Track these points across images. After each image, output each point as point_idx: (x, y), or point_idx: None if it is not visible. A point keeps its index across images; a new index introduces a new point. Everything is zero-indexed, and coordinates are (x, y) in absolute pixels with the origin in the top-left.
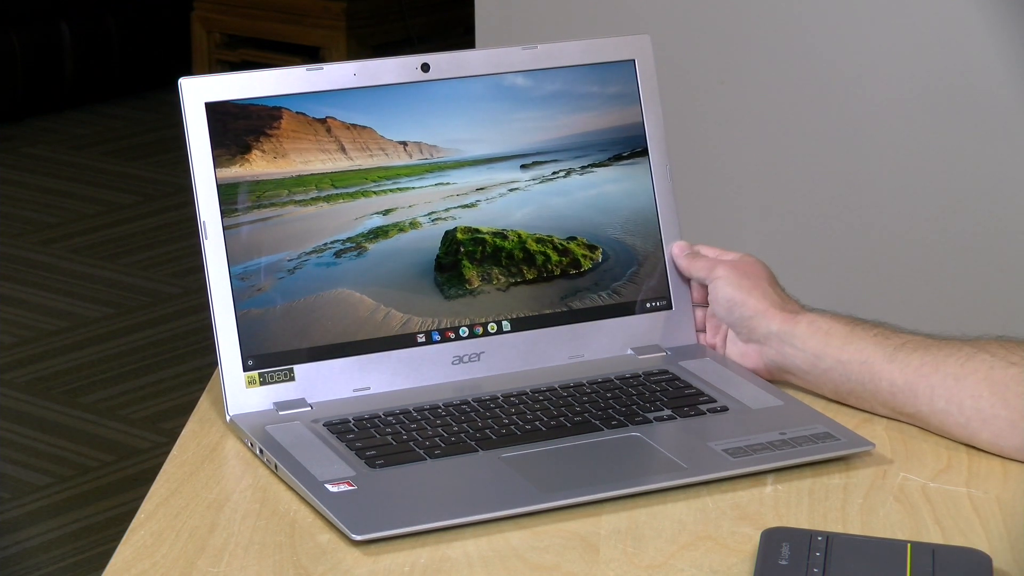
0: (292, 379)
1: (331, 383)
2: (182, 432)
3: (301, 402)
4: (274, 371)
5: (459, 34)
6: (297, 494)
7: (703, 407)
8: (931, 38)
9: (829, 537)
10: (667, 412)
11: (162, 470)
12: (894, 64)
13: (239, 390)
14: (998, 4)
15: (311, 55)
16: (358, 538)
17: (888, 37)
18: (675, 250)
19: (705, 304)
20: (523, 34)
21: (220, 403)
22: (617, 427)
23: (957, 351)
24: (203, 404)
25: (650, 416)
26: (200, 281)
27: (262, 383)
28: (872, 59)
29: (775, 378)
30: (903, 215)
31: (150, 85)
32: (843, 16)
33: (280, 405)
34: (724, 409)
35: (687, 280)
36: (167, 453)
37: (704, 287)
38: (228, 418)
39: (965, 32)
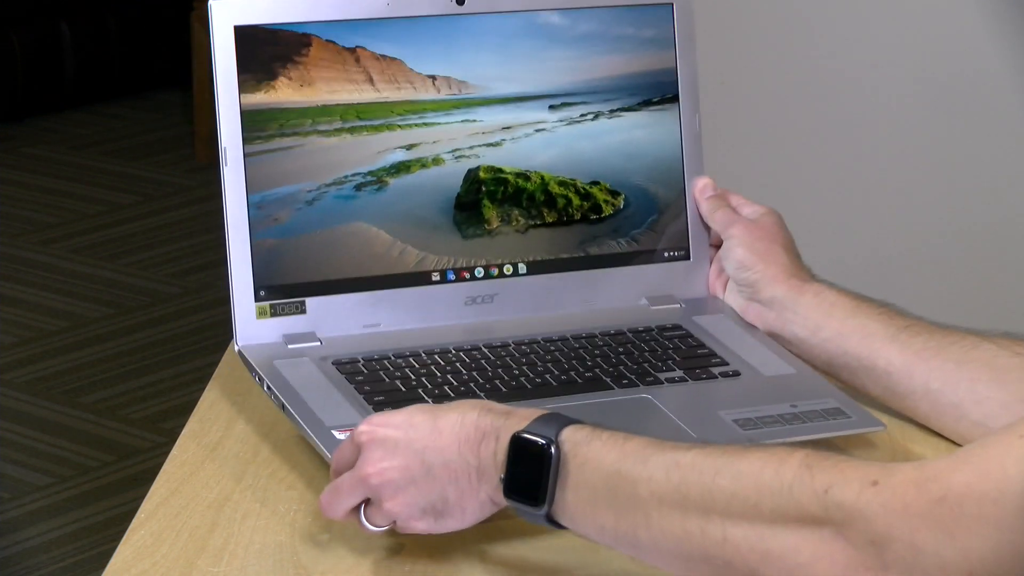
0: (303, 312)
1: (342, 318)
2: (182, 432)
3: (311, 335)
4: (286, 303)
5: None
6: (302, 437)
7: (715, 370)
8: (934, 38)
9: None
10: (679, 373)
11: (162, 470)
12: (896, 64)
13: (249, 320)
14: (999, 4)
15: None
16: None
17: (890, 37)
18: (698, 186)
19: (717, 245)
20: None
21: (220, 403)
22: (628, 386)
23: (961, 339)
24: (203, 404)
25: (662, 377)
26: (200, 281)
27: (273, 314)
28: (874, 59)
29: None
30: (905, 215)
31: (150, 85)
32: (845, 16)
33: (289, 338)
34: (736, 374)
35: (707, 230)
36: (167, 453)
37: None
38: (237, 348)
39: (969, 32)
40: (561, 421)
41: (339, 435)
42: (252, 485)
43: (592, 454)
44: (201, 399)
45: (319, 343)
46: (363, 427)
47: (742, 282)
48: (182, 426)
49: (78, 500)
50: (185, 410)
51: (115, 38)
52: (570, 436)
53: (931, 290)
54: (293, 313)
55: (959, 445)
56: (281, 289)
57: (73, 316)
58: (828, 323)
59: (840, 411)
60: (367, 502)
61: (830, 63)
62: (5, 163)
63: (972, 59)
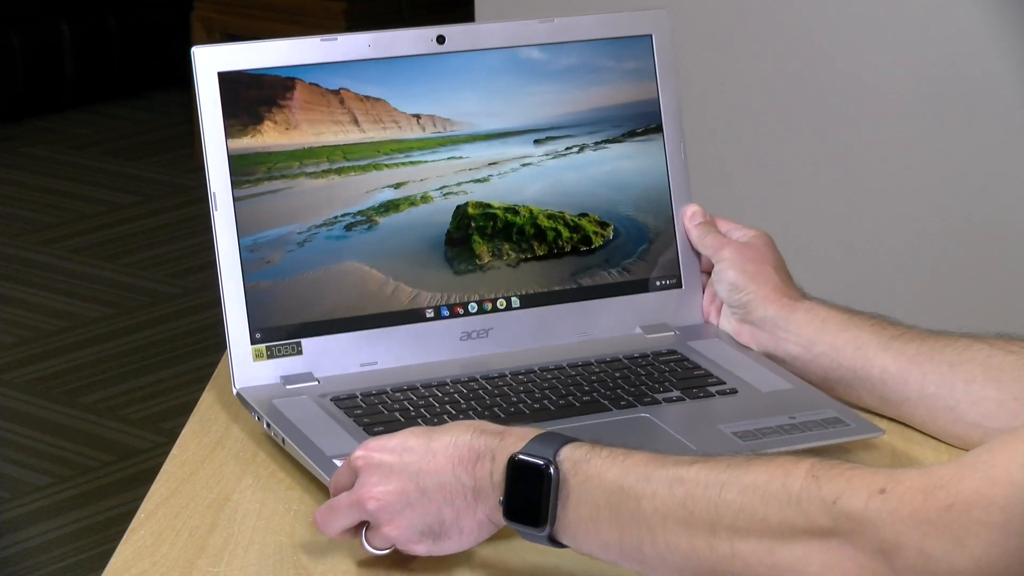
0: (300, 353)
1: (339, 357)
2: (182, 432)
3: (308, 376)
4: (282, 344)
5: None
6: (304, 468)
7: (712, 389)
8: (934, 37)
9: None
10: (676, 393)
11: (162, 470)
12: (896, 63)
13: (246, 363)
14: (999, 4)
15: None
16: None
17: (890, 37)
18: (687, 214)
19: (709, 271)
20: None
21: (220, 403)
22: (626, 407)
23: (954, 342)
24: (203, 404)
25: (659, 397)
26: (200, 281)
27: (269, 356)
28: (874, 58)
29: None
30: (905, 214)
31: (150, 85)
32: (844, 16)
33: (287, 379)
34: (733, 391)
35: (698, 257)
36: (167, 453)
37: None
38: (235, 391)
39: (969, 32)
40: (559, 440)
41: (340, 463)
42: (252, 485)
43: (593, 471)
44: (201, 399)
45: (317, 383)
46: (359, 452)
47: (735, 304)
48: (182, 426)
49: (78, 500)
50: (185, 410)
51: (115, 38)
52: (569, 455)
53: (932, 289)
54: (290, 354)
55: (958, 447)
56: (276, 331)
57: (73, 316)
58: (821, 338)
59: (839, 420)
60: (367, 525)
61: (830, 63)
62: (5, 163)
63: (972, 59)
